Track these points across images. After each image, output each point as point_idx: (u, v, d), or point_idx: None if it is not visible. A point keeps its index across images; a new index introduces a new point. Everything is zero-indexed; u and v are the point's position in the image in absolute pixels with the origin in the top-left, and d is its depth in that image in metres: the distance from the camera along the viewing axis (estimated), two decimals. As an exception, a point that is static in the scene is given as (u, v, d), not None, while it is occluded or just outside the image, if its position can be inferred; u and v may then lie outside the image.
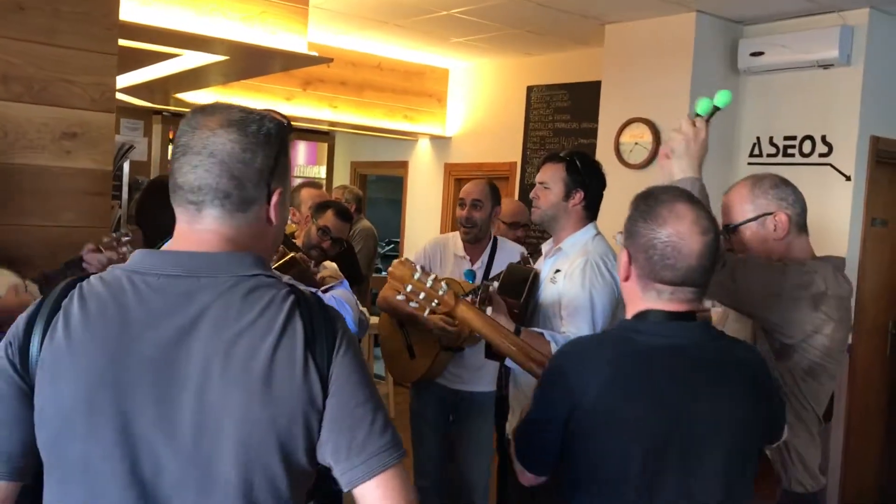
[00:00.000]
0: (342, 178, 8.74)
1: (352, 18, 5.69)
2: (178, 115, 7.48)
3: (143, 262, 1.26)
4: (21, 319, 1.24)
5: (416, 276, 2.00)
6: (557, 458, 1.72)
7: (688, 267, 1.65)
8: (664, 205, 1.68)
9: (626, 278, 1.74)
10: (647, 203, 1.71)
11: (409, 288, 1.99)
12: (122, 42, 3.12)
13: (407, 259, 2.02)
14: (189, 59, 4.05)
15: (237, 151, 1.25)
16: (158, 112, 7.47)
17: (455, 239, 3.70)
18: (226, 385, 1.18)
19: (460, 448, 3.65)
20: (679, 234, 1.64)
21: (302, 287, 1.30)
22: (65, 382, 1.19)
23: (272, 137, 1.29)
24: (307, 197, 4.27)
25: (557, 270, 2.71)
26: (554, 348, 2.48)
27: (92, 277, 1.26)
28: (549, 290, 2.72)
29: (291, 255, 2.90)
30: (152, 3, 3.43)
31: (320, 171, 8.80)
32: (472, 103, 7.25)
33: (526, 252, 3.68)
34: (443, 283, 2.02)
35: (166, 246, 1.33)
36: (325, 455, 1.23)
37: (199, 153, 1.25)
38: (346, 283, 2.71)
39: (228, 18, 3.65)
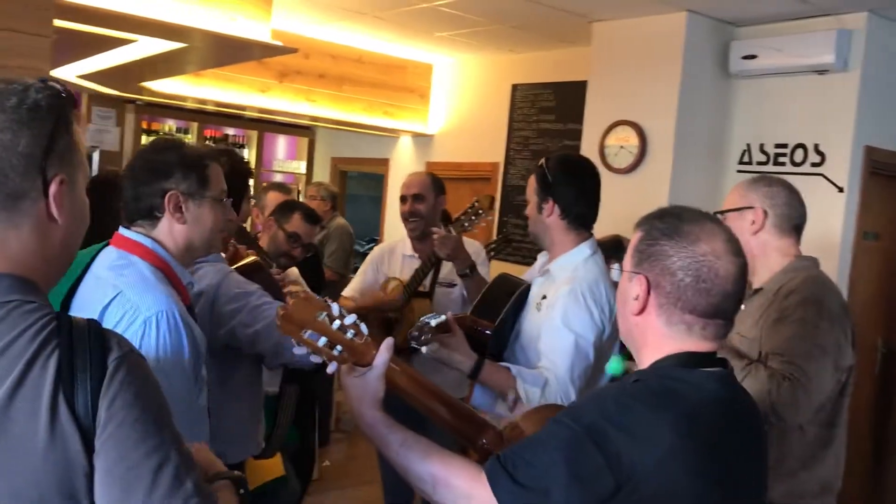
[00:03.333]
0: (322, 173, 8.52)
1: (329, 8, 5.46)
2: (153, 105, 7.27)
3: None
4: None
5: (320, 316, 1.53)
6: None
7: (723, 293, 1.39)
8: (691, 222, 1.43)
9: (641, 311, 1.44)
10: (667, 221, 1.45)
11: (306, 334, 1.52)
12: (62, 24, 2.87)
13: (310, 295, 1.58)
14: (146, 46, 3.80)
15: None
16: (132, 101, 7.25)
17: (403, 241, 3.51)
18: None
19: None
20: (715, 252, 1.39)
21: (77, 317, 1.03)
22: None
23: (41, 112, 1.03)
24: (273, 200, 4.05)
25: (544, 297, 2.44)
26: (520, 385, 2.22)
27: None
28: (533, 318, 2.45)
29: (255, 258, 2.67)
30: (97, -19, 3.20)
31: (300, 167, 8.60)
32: (456, 100, 7.02)
33: (484, 251, 3.44)
34: (361, 326, 1.56)
35: None
36: None
37: None
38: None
39: (185, 2, 3.40)
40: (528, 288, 2.51)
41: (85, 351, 0.96)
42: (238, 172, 2.39)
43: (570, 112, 5.90)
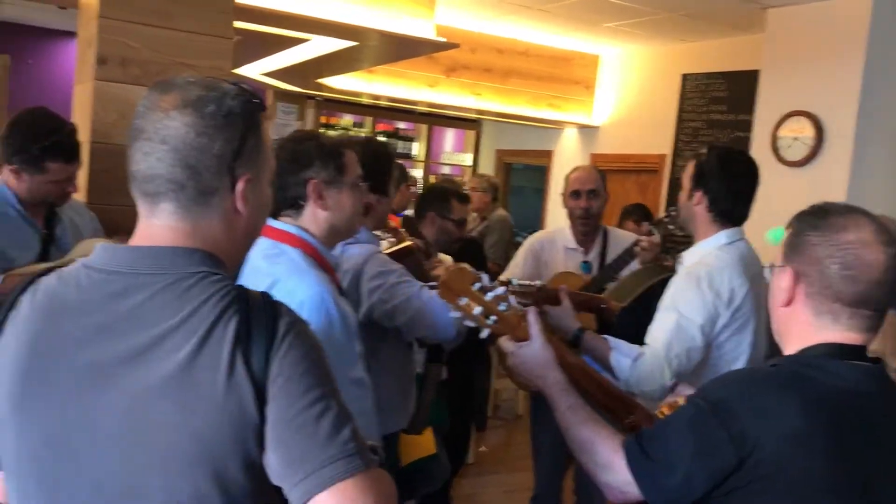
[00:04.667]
0: (488, 165, 8.66)
1: (495, 3, 5.55)
2: (331, 101, 7.66)
3: (97, 256, 1.17)
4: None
5: (476, 287, 1.69)
6: None
7: (870, 281, 1.38)
8: (839, 215, 1.44)
9: (789, 302, 1.45)
10: (817, 215, 1.46)
11: (463, 301, 1.68)
12: (240, 25, 3.12)
13: (464, 266, 1.74)
14: (319, 45, 4.05)
15: (191, 137, 1.12)
16: (312, 97, 7.66)
17: (562, 232, 3.47)
18: (148, 389, 1.06)
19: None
20: (862, 241, 1.39)
21: (254, 291, 1.15)
22: (4, 375, 1.14)
23: (235, 117, 1.15)
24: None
25: None
26: (613, 355, 2.29)
27: (57, 270, 1.19)
28: None
29: (408, 243, 2.80)
30: (275, -14, 3.45)
31: (467, 159, 8.77)
32: (623, 91, 6.92)
33: (636, 242, 3.39)
34: (510, 299, 1.72)
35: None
36: (271, 473, 1.08)
37: (150, 139, 1.13)
38: None
39: (353, 2, 3.59)
40: (666, 280, 2.49)
41: (260, 316, 1.09)
42: (381, 156, 2.52)
43: (742, 102, 5.68)
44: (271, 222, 1.92)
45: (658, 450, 1.39)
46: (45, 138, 2.40)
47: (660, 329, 2.28)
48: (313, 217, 1.94)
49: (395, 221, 3.26)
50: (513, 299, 1.71)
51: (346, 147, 2.00)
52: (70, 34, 7.08)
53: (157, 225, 1.16)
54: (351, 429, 1.09)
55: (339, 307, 1.84)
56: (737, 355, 2.31)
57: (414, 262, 2.66)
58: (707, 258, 2.35)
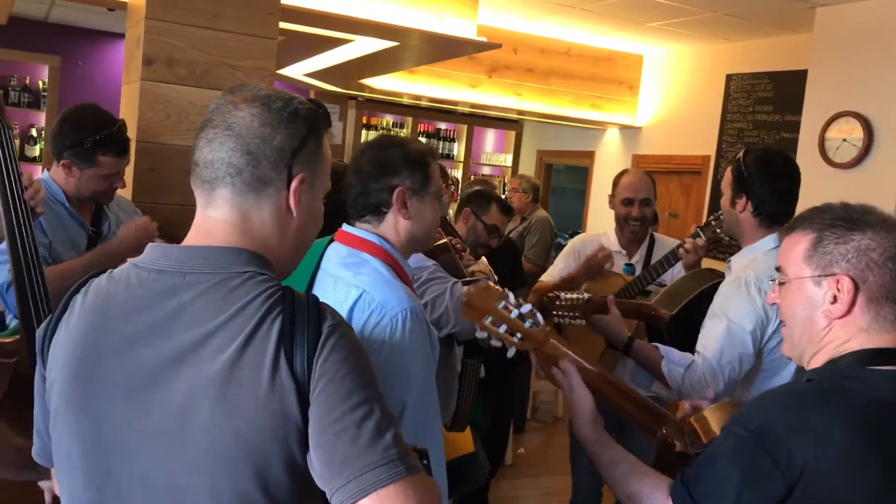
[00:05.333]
0: (528, 166, 8.62)
1: (537, 3, 5.52)
2: (372, 101, 7.70)
3: (146, 255, 1.19)
4: (50, 315, 1.23)
5: (500, 304, 1.66)
6: None
7: None
8: (869, 214, 1.41)
9: (848, 311, 1.40)
10: (849, 219, 1.41)
11: (488, 320, 1.66)
12: (285, 26, 3.15)
13: (490, 284, 1.69)
14: (362, 45, 4.07)
15: (255, 125, 1.16)
16: (353, 97, 7.71)
17: (608, 235, 3.46)
18: (193, 389, 1.07)
19: None
20: None
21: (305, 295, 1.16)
22: (54, 375, 1.17)
23: (299, 117, 1.19)
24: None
25: None
26: (664, 364, 2.27)
27: (108, 271, 1.21)
28: None
29: (445, 240, 2.81)
30: (319, -13, 3.47)
31: (507, 159, 8.75)
32: (666, 91, 6.85)
33: (680, 245, 3.35)
34: (537, 316, 1.69)
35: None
36: (314, 475, 1.08)
37: (216, 126, 1.17)
38: (490, 279, 2.59)
39: (397, 3, 3.61)
40: (715, 287, 2.46)
41: (304, 317, 1.09)
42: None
43: (789, 103, 5.58)
44: (349, 228, 1.88)
45: (705, 491, 1.35)
46: (96, 132, 2.45)
47: (710, 337, 2.26)
48: (394, 225, 1.86)
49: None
50: (540, 317, 1.67)
51: (432, 156, 1.94)
52: (118, 35, 7.21)
53: (212, 217, 1.18)
54: (393, 434, 1.08)
55: (428, 323, 1.79)
56: (786, 361, 2.26)
57: (449, 259, 2.67)
58: (754, 263, 2.32)
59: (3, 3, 3.95)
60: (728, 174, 2.42)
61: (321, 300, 1.14)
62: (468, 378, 2.61)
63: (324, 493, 1.08)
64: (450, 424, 2.61)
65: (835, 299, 1.40)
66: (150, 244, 1.21)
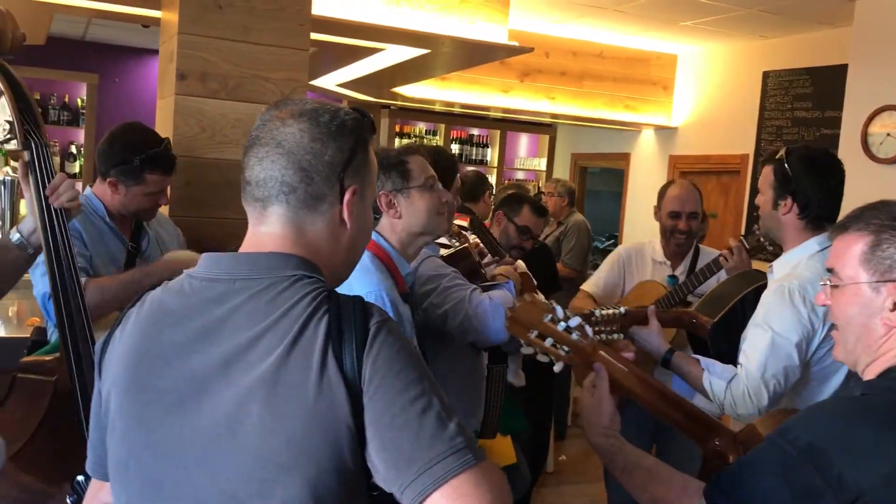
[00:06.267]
0: (563, 170, 8.56)
1: (569, 6, 5.48)
2: (404, 109, 7.71)
3: (201, 265, 1.20)
4: (109, 330, 1.24)
5: (546, 318, 1.63)
6: None
7: None
8: None
9: None
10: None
11: (534, 334, 1.63)
12: (316, 37, 3.15)
13: (536, 298, 1.68)
14: (394, 54, 4.06)
15: (306, 141, 1.16)
16: (386, 106, 7.72)
17: (653, 244, 3.41)
18: (241, 394, 1.06)
19: None
20: None
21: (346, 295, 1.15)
22: (109, 384, 1.18)
23: (346, 129, 1.18)
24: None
25: None
26: (706, 377, 2.20)
27: (165, 282, 1.22)
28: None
29: (464, 246, 2.79)
30: (349, -3, 3.47)
31: (541, 164, 8.70)
32: (702, 91, 6.75)
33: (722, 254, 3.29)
34: (585, 328, 1.65)
35: None
36: (378, 478, 1.06)
37: (266, 144, 1.17)
38: (511, 284, 2.56)
39: (427, 10, 3.59)
40: (760, 290, 2.39)
41: (350, 316, 1.08)
42: (440, 161, 2.51)
43: (829, 98, 5.46)
44: None
45: (746, 500, 1.29)
46: (145, 150, 2.48)
47: (753, 348, 2.18)
48: (390, 225, 2.02)
49: (463, 220, 3.26)
50: (589, 329, 1.64)
51: (407, 154, 2.06)
52: (153, 52, 7.31)
53: (265, 233, 1.18)
54: (457, 423, 1.06)
55: (396, 309, 1.87)
56: (836, 368, 2.19)
57: (470, 264, 2.66)
58: (798, 269, 2.23)
59: (42, 24, 4.02)
60: (768, 174, 2.34)
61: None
62: (495, 384, 2.59)
63: (371, 499, 1.07)
64: (479, 431, 2.59)
65: (895, 307, 1.34)
66: (204, 254, 1.21)
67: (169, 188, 2.71)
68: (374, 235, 1.97)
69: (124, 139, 2.52)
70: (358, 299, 1.13)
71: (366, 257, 1.89)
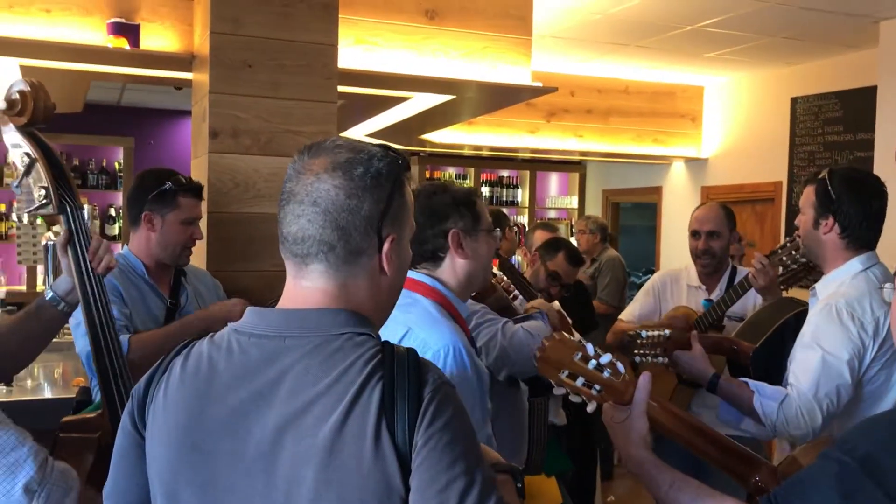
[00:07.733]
0: (594, 206, 8.54)
1: (590, 45, 5.53)
2: (434, 155, 7.78)
3: (245, 320, 1.19)
4: (146, 375, 1.23)
5: (576, 357, 1.58)
6: None
7: None
8: None
9: None
10: None
11: (565, 374, 1.58)
12: (344, 89, 3.21)
13: (565, 336, 1.62)
14: (420, 102, 4.12)
15: (342, 199, 1.14)
16: (416, 153, 7.80)
17: (688, 270, 3.38)
18: (296, 458, 1.06)
19: None
20: None
21: (402, 347, 1.14)
22: (157, 442, 1.17)
23: (382, 178, 1.16)
24: (538, 239, 4.20)
25: None
26: (757, 399, 2.16)
27: (210, 335, 1.22)
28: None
29: (491, 280, 2.81)
30: (374, 48, 3.53)
31: (572, 201, 8.69)
32: (730, 120, 6.73)
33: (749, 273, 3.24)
34: (617, 365, 1.59)
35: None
36: None
37: (302, 201, 1.15)
38: (544, 314, 2.55)
39: (450, 57, 3.65)
40: (800, 315, 2.36)
41: (404, 383, 1.07)
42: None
43: (860, 121, 5.42)
44: (409, 273, 1.93)
45: None
46: (172, 177, 2.59)
47: (804, 369, 2.15)
48: (451, 267, 1.93)
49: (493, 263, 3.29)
50: (621, 366, 1.59)
51: (476, 195, 2.01)
52: (186, 113, 7.48)
53: (306, 286, 1.17)
54: (496, 500, 1.05)
55: (474, 360, 1.80)
56: (888, 388, 2.15)
57: (498, 297, 2.66)
58: (843, 288, 2.21)
59: (79, 91, 4.15)
60: (810, 194, 2.33)
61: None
62: (538, 417, 2.57)
63: None
64: (524, 467, 2.56)
65: None
66: (249, 308, 1.21)
67: (202, 244, 2.75)
68: (430, 281, 1.90)
69: (152, 174, 2.64)
70: (413, 360, 1.11)
71: (429, 306, 1.85)
